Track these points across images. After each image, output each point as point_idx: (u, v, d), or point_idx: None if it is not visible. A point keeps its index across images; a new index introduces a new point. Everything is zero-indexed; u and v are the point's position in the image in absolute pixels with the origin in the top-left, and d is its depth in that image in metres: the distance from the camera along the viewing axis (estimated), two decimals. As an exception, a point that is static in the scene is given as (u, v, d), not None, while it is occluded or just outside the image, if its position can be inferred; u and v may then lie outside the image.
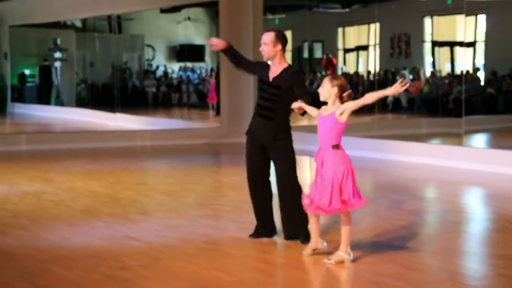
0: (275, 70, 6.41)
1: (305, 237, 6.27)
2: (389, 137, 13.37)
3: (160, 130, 16.10)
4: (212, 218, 7.71)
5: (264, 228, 6.58)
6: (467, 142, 13.00)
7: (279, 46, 6.37)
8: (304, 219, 6.30)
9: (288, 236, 6.41)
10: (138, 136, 15.31)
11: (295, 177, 6.37)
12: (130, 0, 17.54)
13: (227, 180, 10.73)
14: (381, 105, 16.50)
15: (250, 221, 6.78)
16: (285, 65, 6.40)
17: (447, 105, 15.88)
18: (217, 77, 17.72)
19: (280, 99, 6.32)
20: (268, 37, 6.36)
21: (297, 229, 6.36)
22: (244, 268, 5.74)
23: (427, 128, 15.98)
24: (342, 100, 5.71)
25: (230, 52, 6.63)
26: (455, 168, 11.14)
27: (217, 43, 6.64)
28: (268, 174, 6.52)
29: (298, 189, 6.33)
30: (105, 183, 10.00)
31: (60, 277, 5.44)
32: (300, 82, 6.35)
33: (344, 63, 19.27)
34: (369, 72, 18.26)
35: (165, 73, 21.04)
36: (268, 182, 6.54)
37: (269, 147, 6.38)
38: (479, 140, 14.78)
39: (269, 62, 6.55)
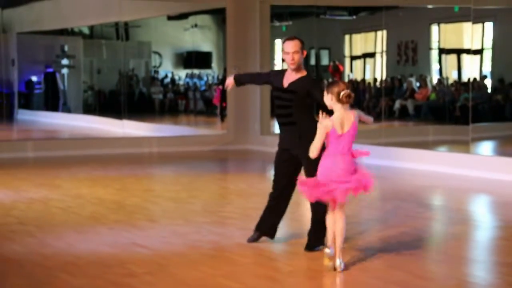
0: (291, 77, 6.41)
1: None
2: (396, 144, 13.38)
3: (166, 137, 16.13)
4: (219, 225, 7.71)
5: (260, 225, 6.62)
6: (474, 149, 13.00)
7: (305, 53, 6.43)
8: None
9: (308, 247, 6.36)
10: (145, 143, 15.35)
11: None
12: (138, 7, 17.61)
13: (233, 187, 10.74)
14: (388, 112, 16.51)
15: (257, 228, 6.80)
16: (304, 73, 6.41)
17: (454, 112, 15.89)
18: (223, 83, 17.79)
19: (295, 104, 6.34)
20: (297, 45, 6.33)
21: (318, 238, 6.36)
22: (251, 275, 5.75)
23: (434, 136, 15.99)
24: (341, 103, 5.66)
25: (240, 82, 6.83)
26: (462, 176, 11.14)
27: (227, 84, 6.81)
28: (291, 182, 6.42)
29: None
30: (112, 189, 10.03)
31: (66, 283, 5.47)
32: (320, 88, 6.28)
33: (351, 70, 19.33)
34: (375, 79, 18.30)
35: (172, 80, 21.11)
36: (288, 190, 6.52)
37: (296, 151, 6.36)
38: (486, 147, 14.77)
39: (275, 69, 6.63)
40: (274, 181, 6.62)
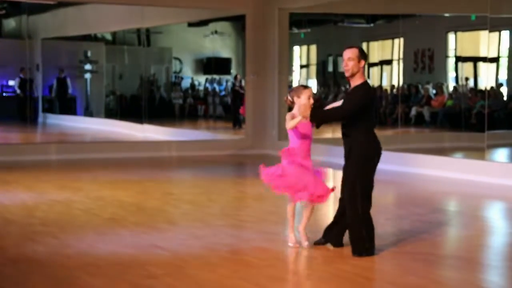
0: (351, 87, 6.42)
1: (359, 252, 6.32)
2: (412, 150, 13.39)
3: (186, 141, 16.25)
4: (236, 228, 7.79)
5: (326, 233, 6.69)
6: (489, 156, 12.98)
7: (363, 62, 6.32)
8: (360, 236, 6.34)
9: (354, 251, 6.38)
10: (164, 147, 15.47)
11: (353, 195, 6.31)
12: (159, 14, 17.75)
13: (251, 191, 10.81)
14: (404, 119, 16.53)
15: (274, 231, 6.90)
16: (360, 81, 6.34)
17: (470, 119, 15.87)
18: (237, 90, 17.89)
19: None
20: (353, 53, 6.27)
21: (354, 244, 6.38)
22: (268, 278, 5.79)
23: (450, 142, 15.97)
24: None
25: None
26: (477, 182, 11.13)
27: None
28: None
29: (354, 206, 6.30)
30: (132, 192, 10.12)
31: (87, 284, 5.55)
32: (353, 95, 6.33)
33: (368, 77, 19.35)
34: (392, 86, 18.32)
35: (192, 85, 21.24)
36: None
37: (346, 162, 6.42)
38: (502, 154, 14.73)
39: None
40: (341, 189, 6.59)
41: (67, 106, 19.97)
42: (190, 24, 20.18)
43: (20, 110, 18.01)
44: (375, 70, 19.37)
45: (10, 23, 19.61)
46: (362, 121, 6.27)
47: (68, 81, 19.57)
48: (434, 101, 17.06)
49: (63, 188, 10.48)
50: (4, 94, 19.29)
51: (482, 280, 5.87)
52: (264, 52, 15.70)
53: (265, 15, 15.66)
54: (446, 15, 16.86)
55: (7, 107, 18.85)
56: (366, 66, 19.43)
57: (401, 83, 17.68)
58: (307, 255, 6.48)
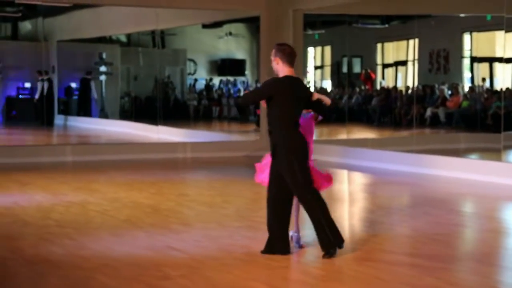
0: None
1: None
2: (427, 151, 13.33)
3: (201, 143, 16.27)
4: (252, 229, 7.77)
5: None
6: (505, 157, 12.90)
7: (277, 59, 6.76)
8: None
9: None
10: (179, 148, 15.51)
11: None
12: (174, 16, 17.79)
13: (266, 192, 10.78)
14: (419, 120, 16.46)
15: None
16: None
17: (485, 120, 15.78)
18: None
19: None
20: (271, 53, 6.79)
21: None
22: (283, 279, 5.81)
23: (465, 143, 15.88)
24: None
25: None
26: (493, 183, 11.08)
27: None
28: None
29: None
30: (147, 194, 10.16)
31: (103, 285, 5.58)
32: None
33: (383, 78, 19.29)
34: (407, 87, 18.25)
35: (206, 87, 21.27)
36: None
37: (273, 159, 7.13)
38: (518, 155, 14.66)
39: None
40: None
41: (85, 108, 20.10)
42: (205, 26, 20.22)
43: (36, 112, 18.15)
44: (390, 71, 19.31)
45: (26, 26, 19.73)
46: (280, 115, 6.51)
47: (92, 83, 19.74)
48: (449, 101, 16.98)
49: (79, 189, 10.54)
50: (20, 96, 19.42)
51: (498, 282, 5.84)
52: (279, 53, 15.67)
53: (279, 17, 15.65)
54: (462, 15, 16.78)
55: (23, 109, 18.97)
56: (381, 67, 19.51)
57: (416, 84, 17.61)
58: (322, 256, 6.46)
